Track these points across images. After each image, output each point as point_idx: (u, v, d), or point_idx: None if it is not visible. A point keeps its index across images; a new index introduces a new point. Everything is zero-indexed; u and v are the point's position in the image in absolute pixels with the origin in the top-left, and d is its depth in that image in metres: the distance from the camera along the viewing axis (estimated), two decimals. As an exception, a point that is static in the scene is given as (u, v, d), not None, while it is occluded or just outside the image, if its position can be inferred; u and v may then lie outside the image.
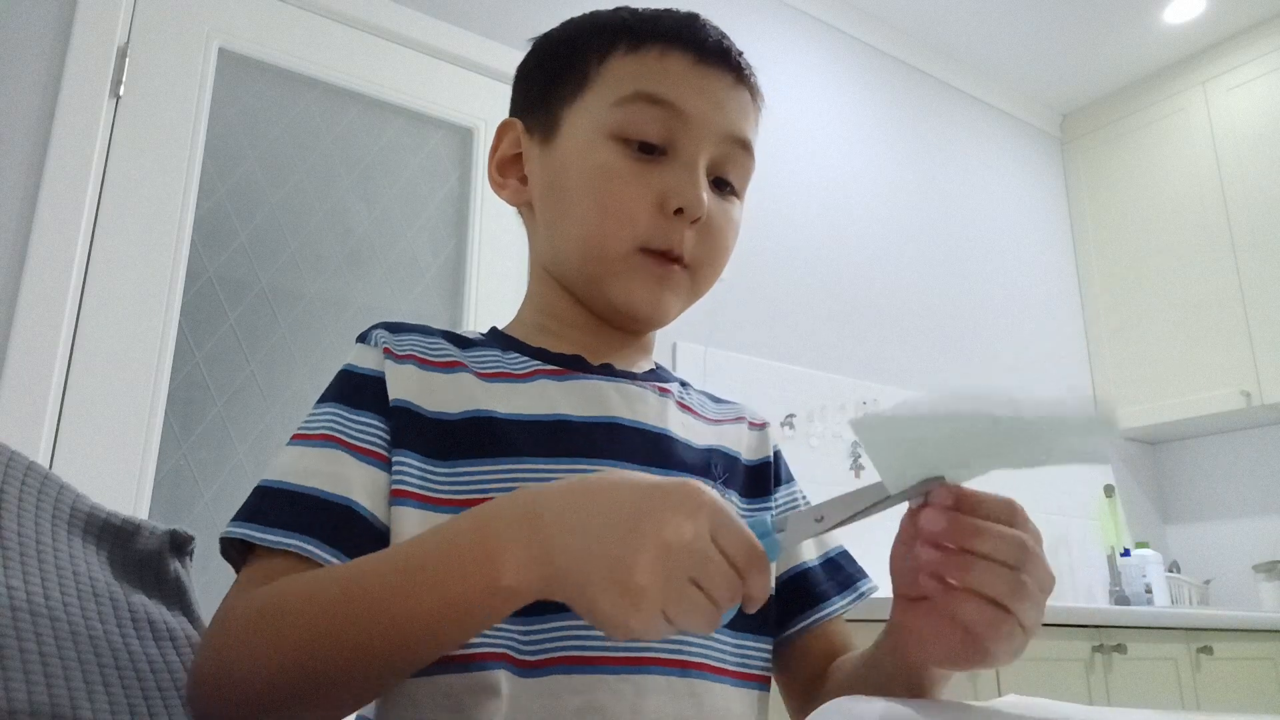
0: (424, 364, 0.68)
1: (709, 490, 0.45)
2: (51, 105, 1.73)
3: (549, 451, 0.64)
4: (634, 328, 0.75)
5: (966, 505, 0.50)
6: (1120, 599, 3.08)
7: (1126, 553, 3.16)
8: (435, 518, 0.60)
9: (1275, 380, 3.06)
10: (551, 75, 0.74)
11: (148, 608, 0.30)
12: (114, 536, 0.31)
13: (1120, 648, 2.27)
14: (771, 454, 0.78)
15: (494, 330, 0.76)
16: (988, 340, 3.29)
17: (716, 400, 0.82)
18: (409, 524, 0.60)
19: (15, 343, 1.61)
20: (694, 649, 0.62)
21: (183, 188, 1.85)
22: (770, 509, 0.75)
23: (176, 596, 0.33)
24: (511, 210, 0.78)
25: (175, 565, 0.34)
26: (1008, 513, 0.50)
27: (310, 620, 0.49)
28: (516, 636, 0.58)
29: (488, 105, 2.32)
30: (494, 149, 0.77)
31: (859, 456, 2.72)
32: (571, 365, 0.71)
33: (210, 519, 1.79)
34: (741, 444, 0.77)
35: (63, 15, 1.77)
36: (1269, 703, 2.57)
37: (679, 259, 0.69)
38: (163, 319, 1.78)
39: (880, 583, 0.71)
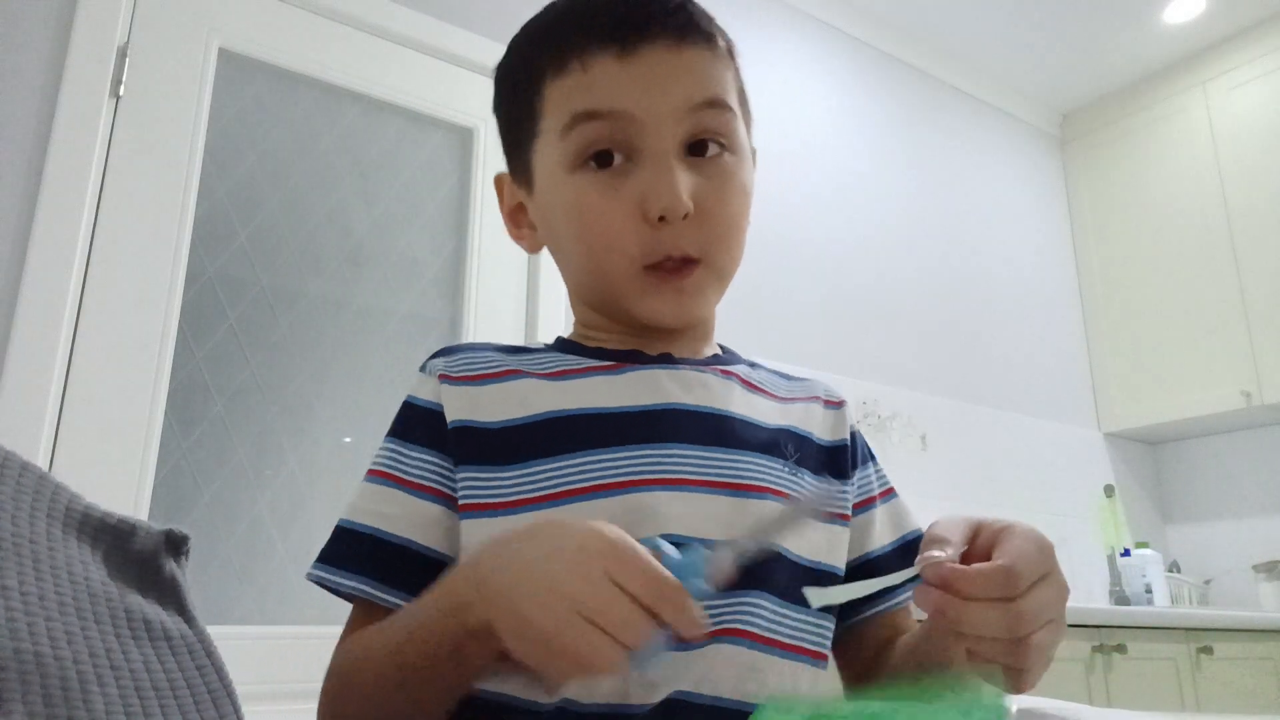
0: (479, 380, 0.70)
1: (607, 537, 0.47)
2: (51, 105, 1.73)
3: (614, 441, 0.65)
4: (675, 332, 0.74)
5: (956, 587, 0.51)
6: (1120, 599, 3.08)
7: (1126, 553, 3.16)
8: (508, 521, 0.63)
9: (1275, 380, 3.06)
10: (510, 119, 0.74)
11: (144, 608, 0.30)
12: (110, 536, 0.31)
13: (1120, 648, 2.27)
14: (848, 435, 0.76)
15: (558, 339, 0.78)
16: (987, 340, 3.29)
17: (788, 379, 0.80)
18: (481, 534, 0.63)
19: (15, 343, 1.61)
20: (763, 624, 0.62)
21: (183, 188, 1.85)
22: (847, 491, 0.74)
23: (172, 597, 0.33)
24: (510, 209, 0.79)
25: (171, 565, 0.34)
26: (1002, 584, 0.51)
27: (368, 683, 0.60)
28: None
29: (488, 105, 2.31)
30: (500, 203, 0.78)
31: (859, 456, 2.72)
32: (628, 359, 0.71)
33: (210, 519, 1.79)
34: (814, 423, 0.75)
35: (63, 15, 1.77)
36: (1269, 703, 2.57)
37: (687, 259, 0.66)
38: (163, 319, 1.78)
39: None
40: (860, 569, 0.72)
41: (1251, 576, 3.20)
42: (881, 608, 0.72)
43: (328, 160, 2.09)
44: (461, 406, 0.68)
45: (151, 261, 1.79)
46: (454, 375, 0.71)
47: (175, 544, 0.36)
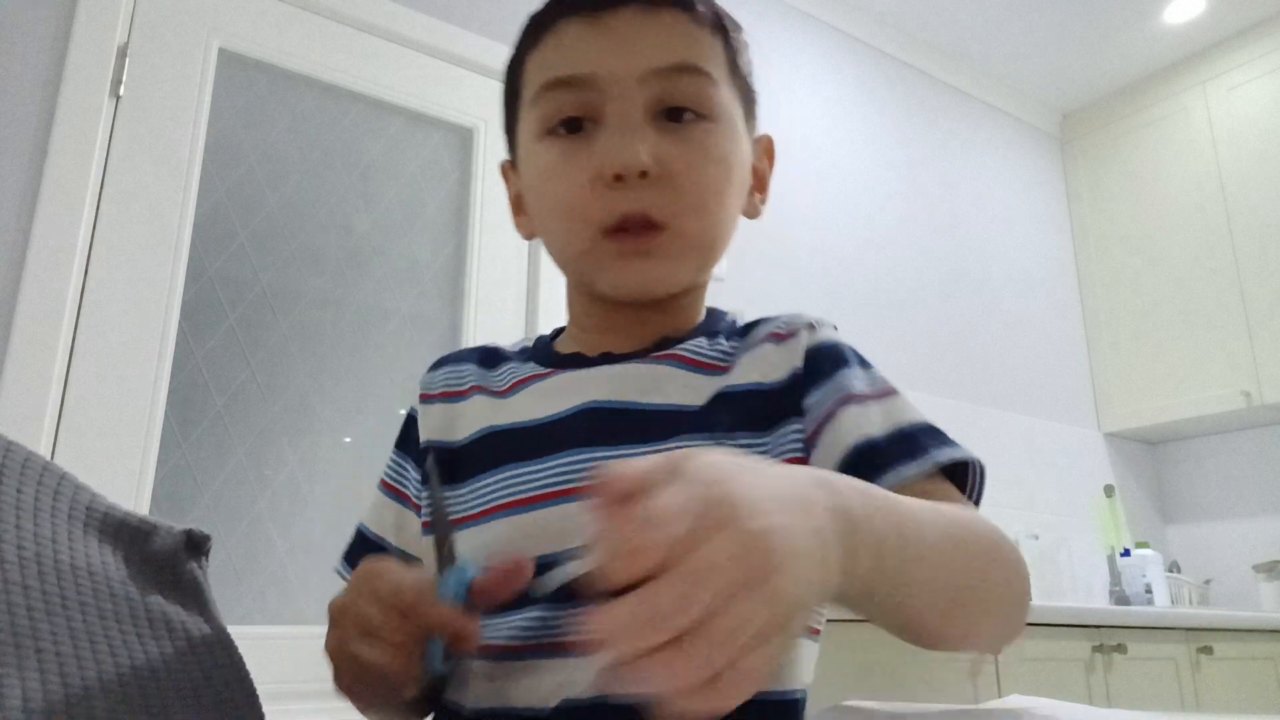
0: (450, 397, 0.72)
1: (359, 570, 0.53)
2: (51, 105, 1.72)
3: (532, 454, 0.64)
4: (650, 304, 0.68)
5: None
6: (1120, 599, 3.08)
7: (1126, 553, 3.16)
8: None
9: (1275, 380, 3.06)
10: (505, 108, 0.73)
11: (164, 608, 0.30)
12: (130, 536, 0.31)
13: (1120, 648, 2.27)
14: (801, 362, 0.65)
15: (554, 331, 0.77)
16: (987, 340, 3.29)
17: (748, 330, 0.69)
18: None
19: (15, 343, 1.60)
20: None
21: (183, 188, 1.85)
22: (766, 444, 0.63)
23: (193, 597, 0.33)
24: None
25: (192, 565, 0.34)
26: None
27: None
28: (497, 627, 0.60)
29: (488, 105, 2.31)
30: (508, 195, 0.77)
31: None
32: (566, 363, 0.69)
33: (210, 519, 1.78)
34: (764, 369, 0.65)
35: (63, 15, 1.77)
36: (1269, 703, 2.57)
37: (646, 223, 0.62)
38: (163, 319, 1.77)
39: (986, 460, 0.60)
40: (852, 457, 0.60)
41: (1251, 576, 3.20)
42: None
43: (328, 160, 2.09)
44: (432, 426, 0.71)
45: (151, 261, 1.78)
46: (433, 394, 0.73)
47: (196, 544, 0.35)
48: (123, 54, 1.82)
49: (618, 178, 0.61)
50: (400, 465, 0.73)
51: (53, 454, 1.63)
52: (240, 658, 0.33)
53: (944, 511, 0.48)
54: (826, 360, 0.65)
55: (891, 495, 0.44)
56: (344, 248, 2.07)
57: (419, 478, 0.71)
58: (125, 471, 1.68)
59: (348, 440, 1.98)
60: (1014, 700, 0.56)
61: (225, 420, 1.84)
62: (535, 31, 0.67)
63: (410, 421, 0.74)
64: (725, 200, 0.65)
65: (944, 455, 0.58)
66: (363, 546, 0.71)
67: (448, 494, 0.67)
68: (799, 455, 0.62)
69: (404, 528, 0.70)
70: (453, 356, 0.76)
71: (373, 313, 2.07)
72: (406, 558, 0.69)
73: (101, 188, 1.76)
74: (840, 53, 3.19)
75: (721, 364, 0.66)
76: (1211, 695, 2.43)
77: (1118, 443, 3.56)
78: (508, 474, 0.64)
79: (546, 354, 0.72)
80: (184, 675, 0.28)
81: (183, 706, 0.26)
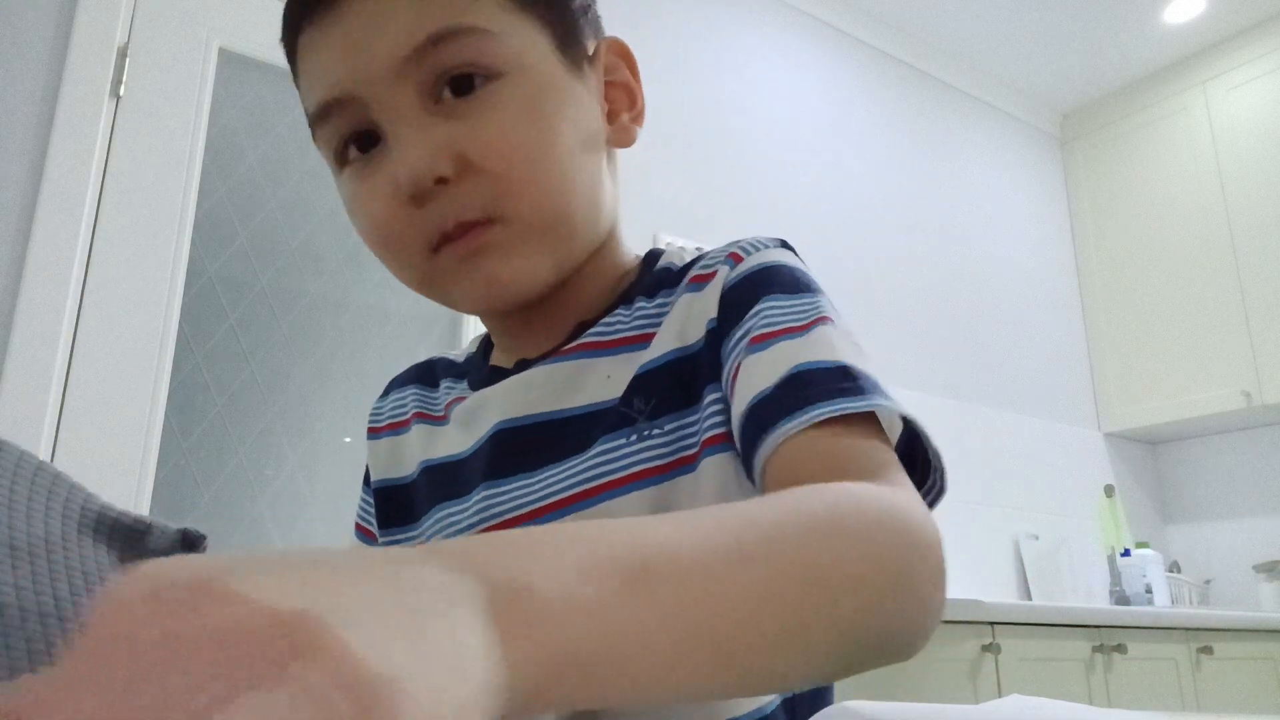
0: (397, 429, 0.68)
1: None
2: (51, 105, 1.73)
3: (458, 491, 0.60)
4: (525, 306, 0.58)
5: None
6: (1120, 599, 3.08)
7: (1127, 553, 3.16)
8: None
9: (1275, 380, 3.06)
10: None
11: (159, 609, 0.30)
12: (125, 536, 0.31)
13: (1120, 648, 2.27)
14: (716, 309, 0.55)
15: (482, 341, 0.70)
16: (987, 340, 3.29)
17: (679, 279, 0.59)
18: None
19: (15, 343, 1.60)
20: None
21: (183, 188, 1.85)
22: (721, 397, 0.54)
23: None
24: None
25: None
26: None
27: None
28: None
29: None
30: None
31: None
32: (493, 378, 0.62)
33: (210, 519, 1.78)
34: (675, 332, 0.57)
35: (63, 15, 1.77)
36: (1269, 703, 2.57)
37: (475, 224, 0.53)
38: (163, 319, 1.77)
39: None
40: (743, 420, 0.50)
41: (1251, 576, 3.21)
42: (752, 470, 0.48)
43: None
44: (380, 464, 0.68)
45: (151, 261, 1.78)
46: (381, 426, 0.69)
47: (191, 544, 0.35)
48: (123, 54, 1.82)
49: (414, 197, 0.52)
50: (367, 504, 0.69)
51: (53, 454, 1.63)
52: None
53: (734, 517, 0.33)
54: (745, 293, 0.54)
55: (632, 524, 0.30)
56: (344, 248, 2.07)
57: (372, 505, 0.68)
58: (125, 471, 1.68)
59: (348, 440, 1.98)
60: (1014, 700, 0.55)
61: (225, 420, 1.84)
62: (289, 55, 0.58)
63: (368, 461, 0.71)
64: (558, 158, 0.54)
65: (828, 409, 0.45)
66: None
67: (401, 535, 0.64)
68: (721, 432, 0.52)
69: None
70: (399, 380, 0.72)
71: (373, 313, 2.08)
72: None
73: (101, 188, 1.76)
74: (840, 52, 3.19)
75: (644, 334, 0.57)
76: (1211, 695, 2.43)
77: (1118, 443, 3.56)
78: (440, 515, 0.60)
79: (478, 367, 0.66)
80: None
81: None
